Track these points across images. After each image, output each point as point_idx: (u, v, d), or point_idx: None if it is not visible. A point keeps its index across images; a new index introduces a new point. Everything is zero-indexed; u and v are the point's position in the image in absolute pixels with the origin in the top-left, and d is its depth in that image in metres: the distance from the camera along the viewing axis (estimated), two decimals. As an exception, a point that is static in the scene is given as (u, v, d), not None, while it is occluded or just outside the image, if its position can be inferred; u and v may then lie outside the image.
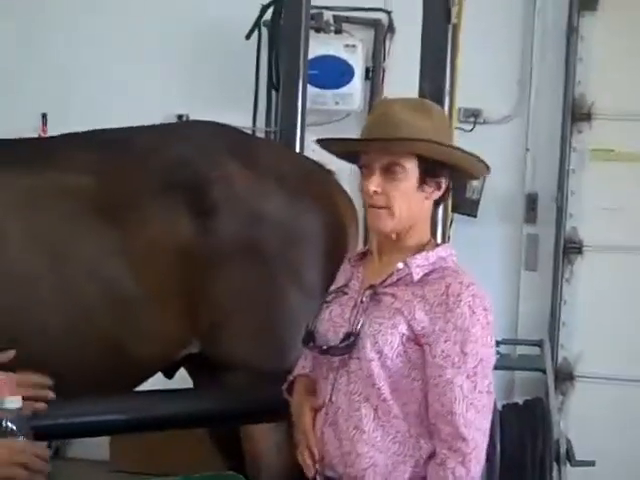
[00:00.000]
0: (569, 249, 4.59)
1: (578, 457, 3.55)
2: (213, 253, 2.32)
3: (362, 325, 1.81)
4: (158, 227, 2.30)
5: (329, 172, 2.65)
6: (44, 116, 4.90)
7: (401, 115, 1.83)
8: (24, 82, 4.82)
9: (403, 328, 1.78)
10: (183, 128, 2.58)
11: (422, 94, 2.66)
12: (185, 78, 4.83)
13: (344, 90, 4.63)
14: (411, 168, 1.82)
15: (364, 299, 1.86)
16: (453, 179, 1.91)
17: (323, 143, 1.97)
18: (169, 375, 2.53)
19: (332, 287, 2.01)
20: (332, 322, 1.90)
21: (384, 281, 1.85)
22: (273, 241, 2.38)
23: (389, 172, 1.83)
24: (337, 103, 4.65)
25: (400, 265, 1.84)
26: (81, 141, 2.45)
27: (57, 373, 2.19)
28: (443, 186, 1.88)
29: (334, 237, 2.46)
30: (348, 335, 1.83)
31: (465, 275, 1.83)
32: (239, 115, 4.35)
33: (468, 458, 1.73)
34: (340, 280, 2.00)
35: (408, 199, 1.84)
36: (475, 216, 4.57)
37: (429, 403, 1.78)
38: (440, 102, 2.66)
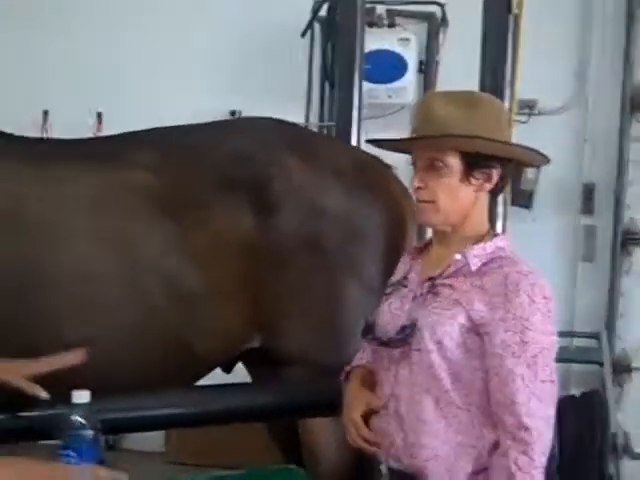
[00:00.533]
0: (627, 240, 4.53)
1: (636, 450, 3.53)
2: (275, 248, 2.34)
3: (421, 317, 1.82)
4: (220, 223, 2.31)
5: (387, 166, 2.65)
6: (99, 115, 4.97)
7: (443, 110, 1.82)
8: (80, 81, 4.89)
9: (462, 319, 1.78)
10: (241, 124, 2.59)
11: (483, 86, 2.67)
12: (237, 74, 4.86)
13: (397, 84, 4.63)
14: (454, 163, 1.82)
15: (423, 291, 1.86)
16: (508, 168, 1.88)
17: (372, 142, 1.99)
18: (227, 369, 2.55)
19: (392, 279, 2.02)
20: (391, 314, 1.91)
21: (442, 273, 1.85)
22: (333, 235, 2.39)
23: (432, 167, 1.83)
24: (390, 97, 4.64)
25: (457, 256, 1.84)
26: (143, 139, 2.47)
27: (122, 369, 2.25)
28: (494, 177, 1.85)
29: (392, 231, 2.45)
30: (406, 327, 1.83)
31: (524, 264, 1.81)
32: (292, 110, 4.34)
33: (531, 447, 1.71)
34: (399, 273, 2.00)
35: (453, 193, 1.83)
36: (530, 208, 4.54)
37: (491, 393, 1.77)
38: (501, 94, 2.66)
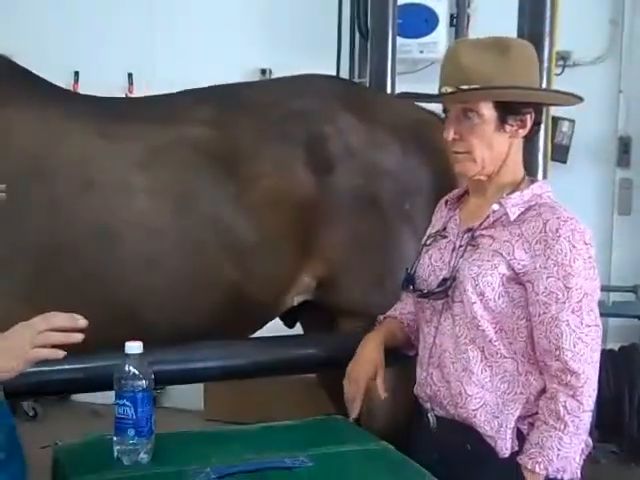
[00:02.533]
0: (664, 193, 4.49)
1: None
2: (330, 205, 2.37)
3: (462, 269, 1.81)
4: (275, 178, 2.35)
5: (441, 120, 2.65)
6: (130, 75, 4.98)
7: (472, 58, 1.78)
8: (110, 42, 4.88)
9: (503, 268, 1.78)
10: (299, 82, 2.60)
11: (521, 35, 2.61)
12: (267, 31, 4.82)
13: (429, 38, 4.57)
14: (487, 112, 1.80)
15: (462, 243, 1.86)
16: (541, 111, 1.86)
17: (405, 96, 2.01)
18: (290, 325, 2.61)
19: (430, 231, 2.02)
20: (432, 266, 1.91)
21: (481, 224, 1.85)
22: (389, 192, 2.42)
23: (465, 118, 1.82)
24: (422, 52, 4.59)
25: (495, 207, 1.83)
26: (202, 96, 2.50)
27: (184, 319, 2.30)
28: (528, 122, 1.83)
29: (445, 187, 2.46)
30: (447, 279, 1.84)
31: (563, 210, 1.79)
32: (322, 66, 4.31)
33: (580, 391, 1.72)
34: (438, 224, 2.00)
35: (488, 142, 1.82)
36: (565, 162, 4.49)
37: (535, 341, 1.77)
38: (540, 45, 2.61)
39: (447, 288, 1.83)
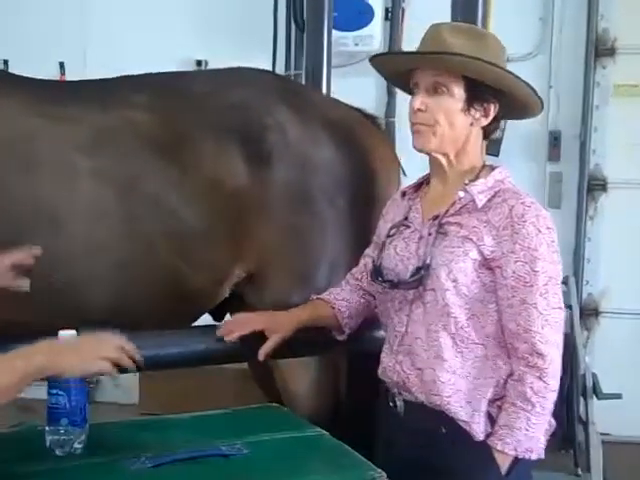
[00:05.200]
0: (593, 186, 4.58)
1: (604, 391, 3.61)
2: (264, 197, 2.37)
3: (434, 257, 1.83)
4: (215, 167, 2.34)
5: (372, 117, 2.68)
6: (62, 65, 4.89)
7: (451, 38, 1.83)
8: (41, 31, 4.79)
9: (474, 254, 1.80)
10: (238, 74, 2.59)
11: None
12: (202, 22, 4.79)
13: (364, 31, 4.59)
14: (457, 89, 1.84)
15: (430, 231, 1.88)
16: (502, 107, 1.89)
17: (374, 63, 1.99)
18: (219, 318, 2.58)
19: (390, 221, 2.03)
20: (399, 256, 1.93)
21: (447, 211, 1.87)
22: (321, 188, 2.43)
23: (435, 92, 1.85)
24: (357, 45, 4.61)
25: (461, 194, 1.85)
26: (142, 82, 2.48)
27: (127, 306, 2.28)
28: (491, 113, 1.87)
29: (377, 185, 2.50)
30: (419, 268, 1.85)
31: (526, 196, 1.83)
32: (258, 57, 4.31)
33: (545, 372, 1.76)
34: (398, 215, 2.01)
35: (452, 119, 1.85)
36: (497, 155, 4.55)
37: (504, 324, 1.80)
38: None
39: (421, 277, 1.84)
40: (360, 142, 2.53)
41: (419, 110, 1.86)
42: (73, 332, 1.66)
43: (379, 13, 4.62)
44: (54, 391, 1.62)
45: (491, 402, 1.83)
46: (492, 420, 1.82)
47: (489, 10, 2.72)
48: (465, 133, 1.88)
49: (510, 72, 1.86)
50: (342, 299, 2.13)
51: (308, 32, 3.58)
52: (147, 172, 2.30)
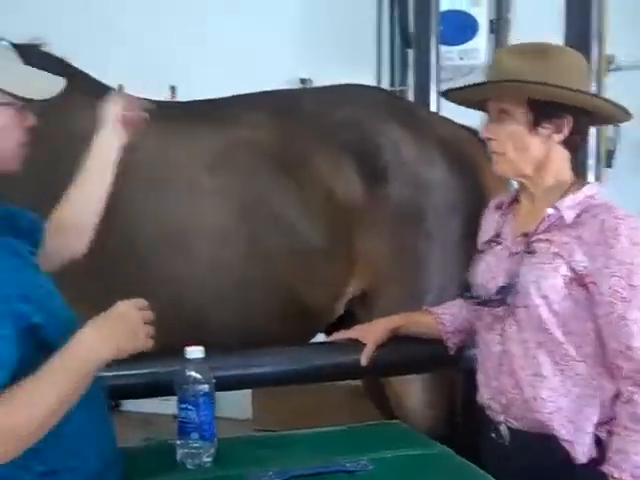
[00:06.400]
0: None
1: None
2: (379, 214, 2.40)
3: (522, 274, 1.81)
4: (330, 183, 2.38)
5: (482, 140, 2.67)
6: (173, 89, 5.03)
7: (512, 62, 1.81)
8: (154, 54, 4.94)
9: (564, 270, 1.77)
10: (350, 92, 2.62)
11: (568, 43, 2.61)
12: (305, 41, 4.85)
13: (469, 45, 4.57)
14: (520, 112, 1.81)
15: (520, 249, 1.85)
16: (582, 120, 1.84)
17: (451, 99, 2.00)
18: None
19: (481, 236, 2.02)
20: (490, 273, 1.91)
21: (536, 228, 1.84)
22: (435, 208, 2.44)
23: (500, 119, 1.84)
24: (462, 59, 4.59)
25: (550, 210, 1.82)
26: (250, 102, 2.54)
27: (245, 325, 2.33)
28: (564, 128, 1.82)
29: (481, 205, 2.48)
30: (505, 287, 1.83)
31: (619, 209, 1.78)
32: (362, 75, 4.33)
33: None
34: (490, 230, 2.00)
35: (520, 143, 1.83)
36: (610, 167, 4.44)
37: (605, 342, 1.76)
38: (587, 49, 2.60)
39: (506, 295, 1.82)
40: (470, 160, 2.52)
41: (489, 139, 1.87)
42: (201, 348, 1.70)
43: (484, 25, 4.59)
44: (184, 405, 1.67)
45: (599, 425, 1.77)
46: (600, 445, 1.77)
47: (604, 16, 2.66)
48: (540, 151, 1.85)
49: (578, 90, 1.80)
50: (449, 313, 2.13)
51: (415, 47, 3.58)
52: (268, 190, 2.36)
